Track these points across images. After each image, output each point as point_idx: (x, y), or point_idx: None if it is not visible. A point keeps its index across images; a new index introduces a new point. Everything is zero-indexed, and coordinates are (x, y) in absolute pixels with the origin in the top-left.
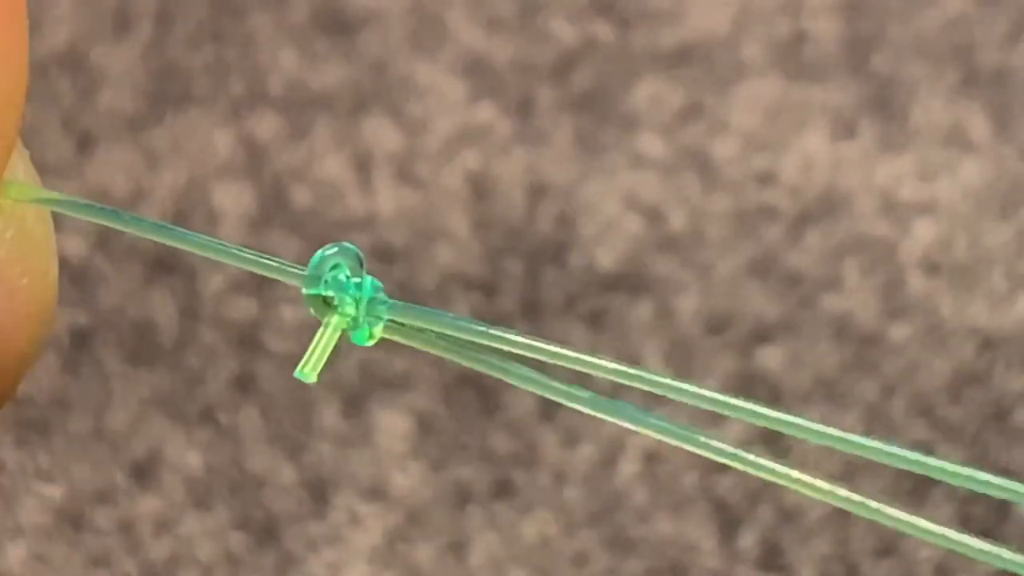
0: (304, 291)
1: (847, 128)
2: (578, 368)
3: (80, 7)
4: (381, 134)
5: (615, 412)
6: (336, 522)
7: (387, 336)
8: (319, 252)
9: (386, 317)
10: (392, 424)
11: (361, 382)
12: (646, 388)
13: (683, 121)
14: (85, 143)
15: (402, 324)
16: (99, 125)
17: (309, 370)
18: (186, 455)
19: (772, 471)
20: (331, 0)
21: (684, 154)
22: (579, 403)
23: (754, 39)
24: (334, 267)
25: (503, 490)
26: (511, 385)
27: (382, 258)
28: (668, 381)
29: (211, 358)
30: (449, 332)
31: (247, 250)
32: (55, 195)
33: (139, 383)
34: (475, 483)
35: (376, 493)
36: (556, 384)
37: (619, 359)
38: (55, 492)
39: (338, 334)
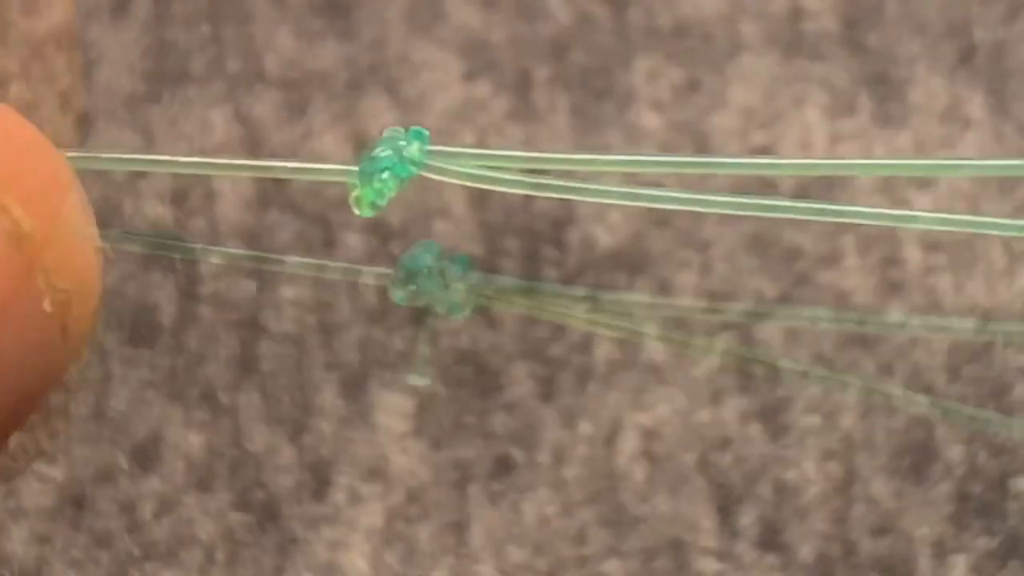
0: (400, 301)
1: (845, 104)
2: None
3: None
4: (378, 112)
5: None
6: (337, 502)
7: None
8: (403, 263)
9: (478, 294)
10: (392, 404)
11: (361, 362)
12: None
13: (681, 97)
14: (83, 122)
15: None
16: (97, 104)
17: (420, 374)
18: (187, 436)
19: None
20: None
21: (682, 130)
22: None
23: (751, 15)
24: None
25: (503, 469)
26: (511, 365)
27: (379, 236)
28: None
29: (211, 339)
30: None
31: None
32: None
33: (139, 364)
34: (475, 463)
35: (376, 473)
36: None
37: (618, 338)
38: (56, 473)
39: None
